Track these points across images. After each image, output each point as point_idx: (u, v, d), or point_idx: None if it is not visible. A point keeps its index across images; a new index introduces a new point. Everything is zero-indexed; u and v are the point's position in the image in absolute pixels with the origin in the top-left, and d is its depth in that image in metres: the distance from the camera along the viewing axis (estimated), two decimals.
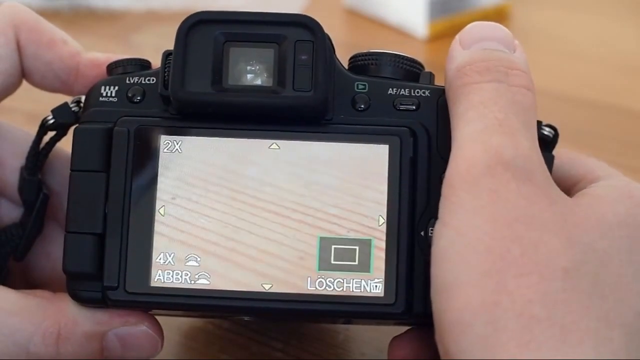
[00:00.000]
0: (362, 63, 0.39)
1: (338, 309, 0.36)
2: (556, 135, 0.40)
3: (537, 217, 0.32)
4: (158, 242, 0.37)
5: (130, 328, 0.38)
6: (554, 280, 0.30)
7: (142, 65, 0.39)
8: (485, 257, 0.31)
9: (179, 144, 0.37)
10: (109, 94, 0.38)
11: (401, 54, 0.39)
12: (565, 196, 0.34)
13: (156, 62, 0.39)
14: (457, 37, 0.37)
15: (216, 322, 0.47)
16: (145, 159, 0.37)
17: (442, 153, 0.37)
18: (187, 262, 0.37)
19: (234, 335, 0.46)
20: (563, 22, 0.82)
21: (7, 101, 0.42)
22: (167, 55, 0.38)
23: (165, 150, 0.37)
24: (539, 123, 0.39)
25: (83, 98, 0.40)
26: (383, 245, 0.36)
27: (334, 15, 0.83)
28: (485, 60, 0.35)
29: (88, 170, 0.37)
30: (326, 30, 0.37)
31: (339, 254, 0.36)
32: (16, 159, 0.42)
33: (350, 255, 0.36)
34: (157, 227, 0.37)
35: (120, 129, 0.37)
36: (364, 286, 0.36)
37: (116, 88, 0.38)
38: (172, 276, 0.36)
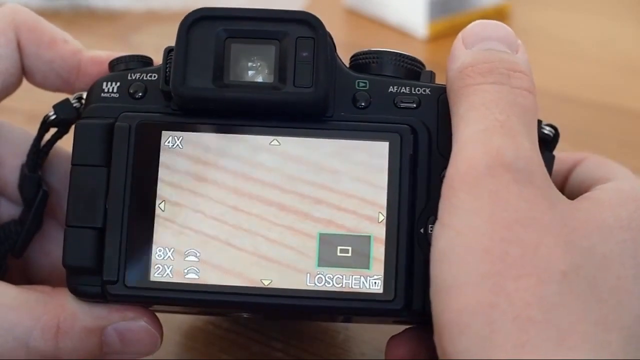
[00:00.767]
0: (364, 61, 0.39)
1: (337, 305, 0.36)
2: (557, 134, 0.40)
3: (536, 220, 0.32)
4: (158, 237, 0.37)
5: (129, 323, 0.38)
6: (551, 283, 0.31)
7: (143, 61, 0.40)
8: (484, 258, 0.31)
9: (179, 140, 0.37)
10: (110, 90, 0.38)
11: (402, 52, 0.39)
12: (566, 199, 0.34)
13: (157, 62, 0.39)
14: (459, 35, 0.37)
15: (216, 322, 0.47)
16: (146, 154, 0.37)
17: (442, 151, 0.37)
18: (187, 257, 0.37)
19: (234, 335, 0.46)
20: (563, 22, 0.82)
21: (7, 101, 0.42)
22: (168, 51, 0.38)
23: (166, 145, 0.37)
24: (539, 122, 0.40)
25: (84, 94, 0.40)
26: (382, 242, 0.36)
27: (334, 15, 0.83)
28: (487, 62, 0.35)
29: (89, 164, 0.37)
30: None
31: (338, 251, 0.36)
32: (16, 158, 0.42)
33: (349, 251, 0.36)
34: (157, 222, 0.37)
35: (121, 124, 0.37)
36: (363, 283, 0.36)
37: (118, 84, 0.38)
38: (172, 271, 0.37)
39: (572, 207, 0.33)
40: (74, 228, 0.37)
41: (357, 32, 0.81)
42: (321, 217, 0.37)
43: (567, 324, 0.30)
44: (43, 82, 0.42)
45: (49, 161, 0.43)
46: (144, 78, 0.38)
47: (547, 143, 0.40)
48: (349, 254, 0.36)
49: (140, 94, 0.38)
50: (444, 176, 0.34)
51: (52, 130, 0.41)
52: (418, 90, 0.38)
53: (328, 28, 0.37)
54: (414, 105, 0.38)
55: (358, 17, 0.83)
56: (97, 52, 0.42)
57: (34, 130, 0.42)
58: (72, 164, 0.37)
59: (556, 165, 0.40)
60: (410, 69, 0.39)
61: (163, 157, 0.37)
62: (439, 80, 0.38)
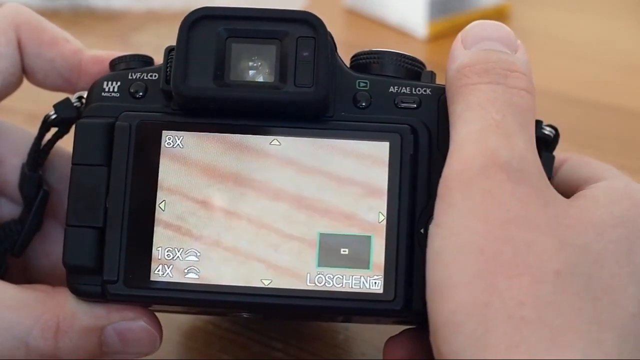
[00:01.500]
0: (364, 61, 0.39)
1: (337, 305, 0.36)
2: (557, 135, 0.40)
3: (530, 219, 0.32)
4: (158, 237, 0.37)
5: (128, 323, 0.38)
6: (545, 282, 0.31)
7: (144, 61, 0.40)
8: (478, 258, 0.31)
9: (180, 139, 0.37)
10: (111, 89, 0.38)
11: (403, 52, 0.39)
12: (561, 197, 0.34)
13: (157, 62, 0.39)
14: (459, 35, 0.37)
15: (216, 322, 0.47)
16: (146, 153, 0.37)
17: (442, 151, 0.37)
18: (187, 257, 0.37)
19: (234, 335, 0.46)
20: (563, 22, 0.82)
21: (7, 101, 0.42)
22: (169, 50, 0.38)
23: (166, 145, 0.37)
24: (540, 123, 0.40)
25: (85, 94, 0.40)
26: (383, 242, 0.36)
27: (334, 15, 0.83)
28: (485, 62, 0.35)
29: (89, 164, 0.37)
30: None
31: (339, 250, 0.36)
32: (16, 158, 0.42)
33: (349, 251, 0.36)
34: (157, 221, 0.37)
35: (122, 124, 0.37)
36: (363, 282, 0.36)
37: (118, 83, 0.38)
38: (172, 271, 0.37)
39: (567, 205, 0.33)
40: (74, 227, 0.37)
41: (357, 32, 0.81)
42: (321, 217, 0.37)
43: (560, 323, 0.30)
44: (44, 82, 0.42)
45: (50, 161, 0.43)
46: (145, 77, 0.38)
47: (548, 143, 0.40)
48: (349, 254, 0.36)
49: (140, 94, 0.38)
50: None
51: (53, 130, 0.41)
52: (418, 91, 0.38)
53: (328, 28, 0.37)
54: (415, 105, 0.38)
55: (358, 17, 0.83)
56: (98, 51, 0.42)
57: (34, 130, 0.42)
58: (73, 164, 0.37)
59: None
60: (411, 69, 0.39)
61: (163, 157, 0.37)
62: (440, 80, 0.38)
